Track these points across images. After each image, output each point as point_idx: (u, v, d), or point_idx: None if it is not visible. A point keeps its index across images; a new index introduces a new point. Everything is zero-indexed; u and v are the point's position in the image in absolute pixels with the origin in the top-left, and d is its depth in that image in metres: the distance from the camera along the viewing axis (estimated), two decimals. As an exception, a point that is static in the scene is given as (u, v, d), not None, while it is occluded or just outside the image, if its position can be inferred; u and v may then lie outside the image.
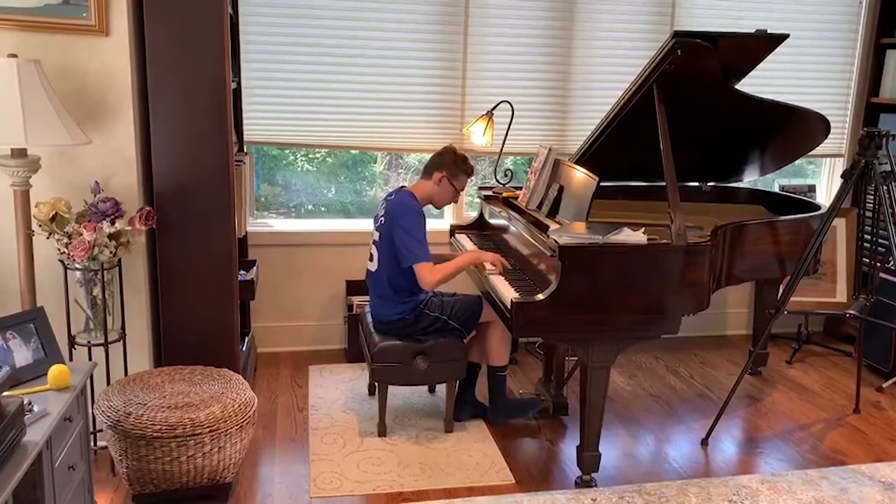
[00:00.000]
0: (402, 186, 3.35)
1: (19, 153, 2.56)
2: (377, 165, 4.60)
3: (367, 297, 3.45)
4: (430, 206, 3.34)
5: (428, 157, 3.37)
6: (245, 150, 3.90)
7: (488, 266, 3.16)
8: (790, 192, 4.27)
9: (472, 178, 3.47)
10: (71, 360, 2.78)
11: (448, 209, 4.37)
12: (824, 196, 4.83)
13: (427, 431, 3.30)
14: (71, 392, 2.19)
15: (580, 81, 4.27)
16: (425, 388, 3.70)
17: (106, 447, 2.73)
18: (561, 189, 3.19)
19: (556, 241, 2.66)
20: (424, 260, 3.09)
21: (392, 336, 3.21)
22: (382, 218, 3.22)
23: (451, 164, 3.23)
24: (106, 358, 2.82)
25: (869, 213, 3.51)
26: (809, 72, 4.54)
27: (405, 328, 3.21)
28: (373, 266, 3.28)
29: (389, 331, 3.23)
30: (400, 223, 3.12)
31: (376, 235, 3.26)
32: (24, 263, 2.65)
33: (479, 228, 3.90)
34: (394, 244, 3.13)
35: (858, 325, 3.94)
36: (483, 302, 3.25)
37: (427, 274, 3.08)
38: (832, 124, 3.57)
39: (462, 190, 3.33)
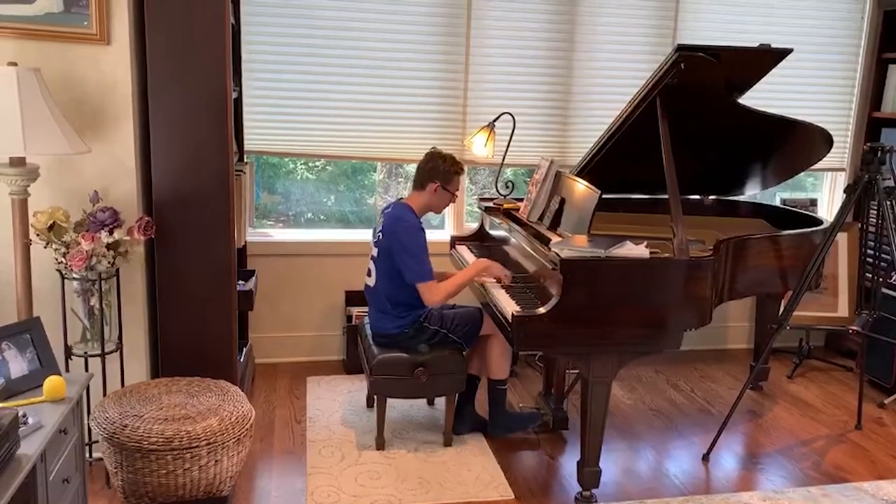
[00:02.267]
0: (400, 199, 3.33)
1: (18, 162, 2.54)
2: (377, 174, 4.59)
3: (366, 309, 3.43)
4: (429, 213, 3.32)
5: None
6: (245, 159, 3.89)
7: (489, 279, 3.15)
8: (792, 206, 4.25)
9: (473, 186, 3.45)
10: (67, 370, 2.75)
11: (448, 220, 4.36)
12: (826, 210, 4.82)
13: (426, 445, 3.27)
14: (66, 404, 2.17)
15: (582, 94, 4.27)
16: (424, 400, 3.67)
17: (101, 459, 2.70)
18: (562, 201, 3.17)
19: (557, 254, 2.65)
20: (427, 279, 3.07)
21: (392, 349, 3.19)
22: (380, 234, 3.20)
23: (442, 171, 3.19)
24: (102, 369, 2.80)
25: (872, 229, 3.49)
26: (811, 86, 4.54)
27: (405, 341, 3.19)
28: (371, 281, 3.26)
29: (389, 344, 3.21)
30: (399, 241, 3.09)
31: (374, 251, 3.24)
32: (21, 273, 2.63)
33: (479, 240, 3.88)
34: (392, 261, 3.11)
35: (860, 341, 3.92)
36: (483, 315, 3.23)
37: (430, 294, 3.06)
38: (834, 139, 3.56)
39: (457, 191, 3.29)
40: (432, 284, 3.07)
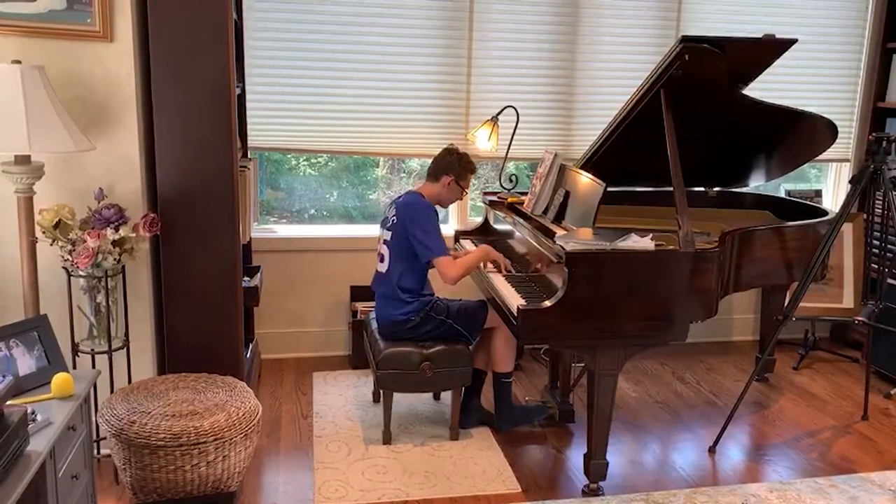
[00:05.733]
0: (410, 190, 3.36)
1: (23, 160, 2.54)
2: (379, 169, 4.59)
3: (372, 303, 3.44)
4: (437, 207, 3.34)
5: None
6: (249, 155, 3.89)
7: (488, 265, 3.25)
8: (797, 198, 4.24)
9: (476, 180, 3.48)
10: (74, 367, 2.76)
11: (452, 214, 4.36)
12: (830, 201, 4.81)
13: (432, 439, 3.28)
14: (74, 400, 2.17)
15: (586, 86, 4.26)
16: (430, 394, 3.67)
17: (109, 455, 2.71)
18: (567, 195, 3.17)
19: (562, 247, 2.64)
20: (443, 254, 3.14)
21: (397, 340, 3.19)
22: (394, 218, 3.23)
23: (457, 166, 3.28)
24: (109, 365, 2.80)
25: (877, 219, 3.48)
26: (816, 76, 4.52)
27: (410, 330, 3.20)
28: (383, 267, 3.28)
29: (395, 333, 3.21)
30: (415, 220, 3.16)
31: (387, 235, 3.27)
32: (28, 270, 2.63)
33: (483, 234, 3.88)
34: (407, 242, 3.15)
35: (866, 331, 3.91)
36: (488, 307, 3.24)
37: (448, 268, 3.12)
38: (839, 129, 3.54)
39: (467, 188, 3.37)
40: (449, 260, 3.14)
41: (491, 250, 3.29)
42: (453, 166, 3.27)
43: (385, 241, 3.28)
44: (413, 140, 4.14)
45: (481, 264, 3.28)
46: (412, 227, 3.15)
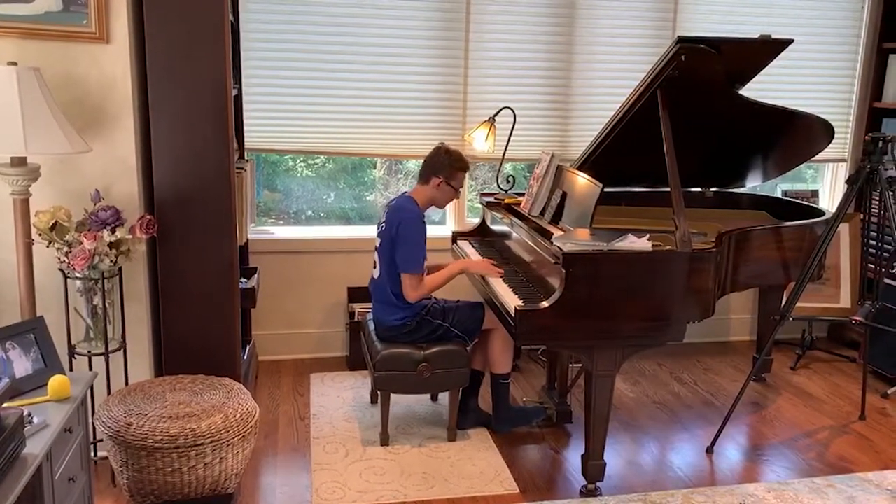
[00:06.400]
0: (404, 192, 3.34)
1: (19, 162, 2.54)
2: (377, 171, 4.59)
3: (369, 305, 3.44)
4: (433, 207, 3.34)
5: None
6: (246, 156, 3.88)
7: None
8: (793, 198, 4.25)
9: (473, 181, 3.46)
10: (71, 370, 2.75)
11: (450, 215, 4.36)
12: (827, 202, 4.81)
13: (430, 440, 3.28)
14: (71, 403, 2.17)
15: (582, 87, 4.26)
16: (428, 396, 3.67)
17: (106, 457, 2.70)
18: (564, 195, 3.17)
19: (559, 248, 2.64)
20: (413, 272, 3.10)
21: (394, 343, 3.19)
22: (383, 224, 3.22)
23: (447, 166, 3.21)
24: (106, 367, 2.80)
25: (874, 219, 3.49)
26: (812, 76, 4.52)
27: (407, 334, 3.19)
28: (376, 273, 3.27)
29: (392, 337, 3.21)
30: (400, 228, 3.12)
31: (378, 241, 3.25)
32: (24, 273, 2.62)
33: (481, 235, 3.88)
34: (394, 250, 3.13)
35: (863, 331, 3.91)
36: (485, 308, 3.24)
37: (410, 288, 3.11)
38: (835, 129, 3.55)
39: (461, 187, 3.31)
40: (417, 278, 3.11)
41: (465, 265, 3.27)
42: (442, 166, 3.20)
43: (376, 248, 3.27)
44: (410, 141, 4.14)
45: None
46: (395, 235, 3.12)
